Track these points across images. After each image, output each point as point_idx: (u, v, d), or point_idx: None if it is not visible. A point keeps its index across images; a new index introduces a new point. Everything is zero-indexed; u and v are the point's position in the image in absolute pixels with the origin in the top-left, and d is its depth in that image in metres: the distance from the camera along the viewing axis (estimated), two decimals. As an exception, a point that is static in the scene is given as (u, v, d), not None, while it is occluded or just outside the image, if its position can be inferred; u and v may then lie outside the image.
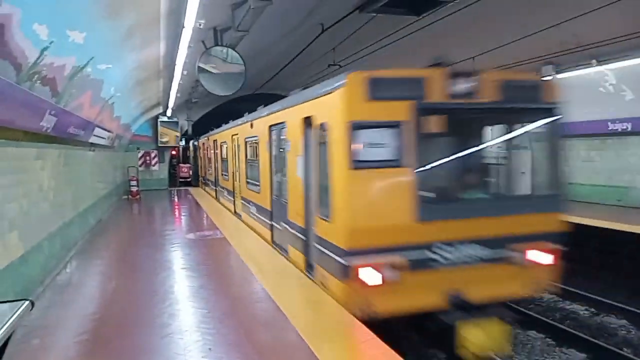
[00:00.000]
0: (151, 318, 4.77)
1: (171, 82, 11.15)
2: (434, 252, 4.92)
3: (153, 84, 11.61)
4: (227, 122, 13.87)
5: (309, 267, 5.95)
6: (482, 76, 5.08)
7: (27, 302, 3.55)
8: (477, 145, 5.80)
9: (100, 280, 6.47)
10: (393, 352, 3.74)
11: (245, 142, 10.18)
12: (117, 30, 5.96)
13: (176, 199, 17.24)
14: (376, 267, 4.68)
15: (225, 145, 13.50)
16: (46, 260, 6.54)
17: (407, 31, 9.39)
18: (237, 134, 11.19)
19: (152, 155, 19.98)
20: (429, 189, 5.05)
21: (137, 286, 6.02)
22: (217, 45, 8.23)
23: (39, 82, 4.93)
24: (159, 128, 19.52)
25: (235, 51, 8.40)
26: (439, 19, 8.33)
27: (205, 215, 12.28)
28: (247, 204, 10.23)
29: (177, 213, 14.09)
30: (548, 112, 5.37)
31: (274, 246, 7.74)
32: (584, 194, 11.30)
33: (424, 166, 4.94)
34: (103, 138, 10.89)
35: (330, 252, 5.07)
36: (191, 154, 25.62)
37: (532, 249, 5.26)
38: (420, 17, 8.57)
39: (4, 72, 3.92)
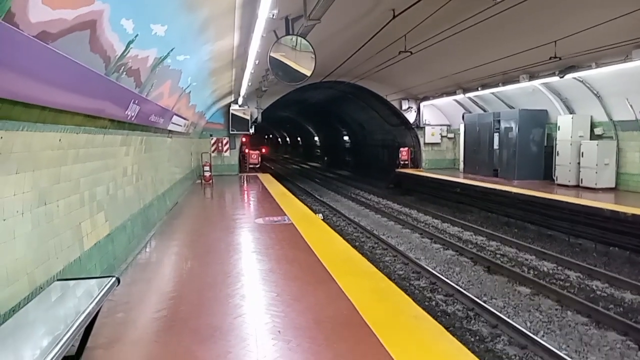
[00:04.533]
0: (224, 298, 5.00)
1: (243, 71, 11.45)
2: None
3: (226, 73, 11.98)
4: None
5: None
6: None
7: (113, 279, 3.84)
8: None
9: (177, 260, 6.85)
10: (462, 346, 3.70)
11: None
12: (194, 22, 6.21)
13: (245, 184, 17.80)
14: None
15: None
16: (129, 240, 7.02)
17: (485, 16, 9.01)
18: None
19: (224, 142, 20.75)
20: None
21: (211, 267, 6.33)
22: (288, 34, 8.32)
23: (124, 73, 5.25)
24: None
25: (306, 40, 8.46)
26: (517, 3, 7.92)
27: (273, 201, 12.59)
28: None
29: (246, 198, 14.54)
30: None
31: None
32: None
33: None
34: (180, 125, 11.43)
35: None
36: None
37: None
38: (498, 1, 8.21)
39: (95, 65, 4.22)
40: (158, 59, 6.08)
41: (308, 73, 8.71)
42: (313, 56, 8.48)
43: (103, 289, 3.64)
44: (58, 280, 4.01)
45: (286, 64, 8.54)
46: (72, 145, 4.63)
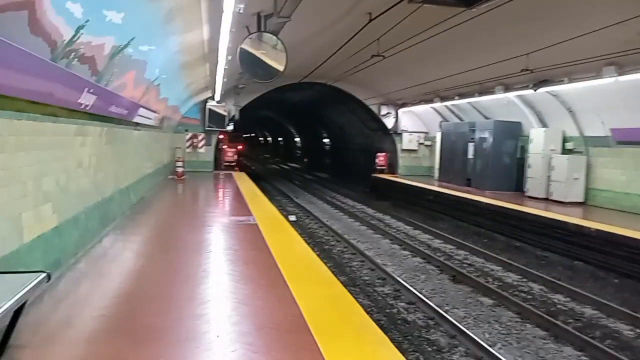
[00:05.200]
0: (169, 299, 4.81)
1: (217, 66, 11.23)
2: None
3: (199, 68, 11.76)
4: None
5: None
6: None
7: (43, 274, 3.63)
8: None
9: (130, 257, 6.62)
10: (403, 357, 3.58)
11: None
12: (157, 11, 6.01)
13: (219, 182, 17.55)
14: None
15: None
16: (81, 233, 6.75)
17: (456, 22, 8.97)
18: None
19: (200, 137, 20.43)
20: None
21: (163, 265, 6.13)
22: (259, 30, 8.18)
23: (76, 60, 5.02)
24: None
25: (278, 38, 8.33)
26: (490, 9, 7.85)
27: (242, 200, 12.40)
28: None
29: (216, 196, 14.31)
30: None
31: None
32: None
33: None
34: (149, 118, 11.16)
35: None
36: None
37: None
38: (472, 8, 8.17)
39: (38, 49, 4.00)
40: (117, 47, 5.86)
41: (280, 68, 8.55)
42: (284, 54, 8.35)
43: (28, 284, 3.43)
44: (-16, 273, 3.78)
45: (257, 59, 8.36)
46: (13, 132, 4.39)
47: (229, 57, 9.79)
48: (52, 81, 4.50)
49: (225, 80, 13.66)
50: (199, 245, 7.37)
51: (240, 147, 43.59)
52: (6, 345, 3.49)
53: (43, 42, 4.05)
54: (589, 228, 10.20)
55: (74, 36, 4.51)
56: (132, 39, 6.05)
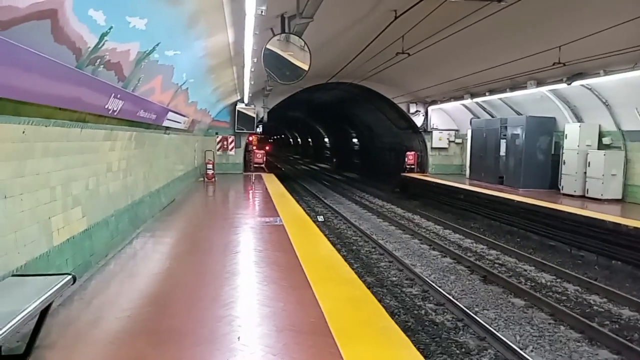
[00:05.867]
0: (193, 301, 4.86)
1: (244, 69, 11.32)
2: None
3: (227, 71, 11.87)
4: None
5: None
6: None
7: (68, 277, 3.72)
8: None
9: (157, 259, 6.73)
10: (424, 361, 3.51)
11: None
12: (180, 16, 6.09)
13: (247, 184, 17.71)
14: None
15: None
16: (111, 236, 6.92)
17: (483, 15, 8.75)
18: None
19: (229, 140, 20.70)
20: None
21: (189, 267, 6.20)
22: (283, 32, 8.19)
23: (102, 66, 5.14)
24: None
25: (302, 39, 8.32)
26: (515, 1, 7.60)
27: (270, 201, 12.47)
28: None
29: (244, 197, 14.45)
30: None
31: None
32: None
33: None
34: (178, 122, 11.33)
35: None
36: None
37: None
38: (500, 0, 7.96)
39: (63, 57, 4.11)
40: (142, 53, 5.97)
41: (305, 68, 8.52)
42: (308, 54, 8.32)
43: (54, 286, 3.52)
44: (14, 275, 3.91)
45: (283, 60, 8.35)
46: (41, 138, 4.52)
47: (255, 60, 9.85)
48: (78, 88, 4.60)
49: (252, 82, 13.76)
50: (225, 247, 7.44)
51: (267, 148, 44.22)
52: (33, 346, 3.59)
53: (68, 50, 4.15)
54: (627, 226, 9.79)
55: (98, 43, 4.61)
56: (157, 44, 6.15)
